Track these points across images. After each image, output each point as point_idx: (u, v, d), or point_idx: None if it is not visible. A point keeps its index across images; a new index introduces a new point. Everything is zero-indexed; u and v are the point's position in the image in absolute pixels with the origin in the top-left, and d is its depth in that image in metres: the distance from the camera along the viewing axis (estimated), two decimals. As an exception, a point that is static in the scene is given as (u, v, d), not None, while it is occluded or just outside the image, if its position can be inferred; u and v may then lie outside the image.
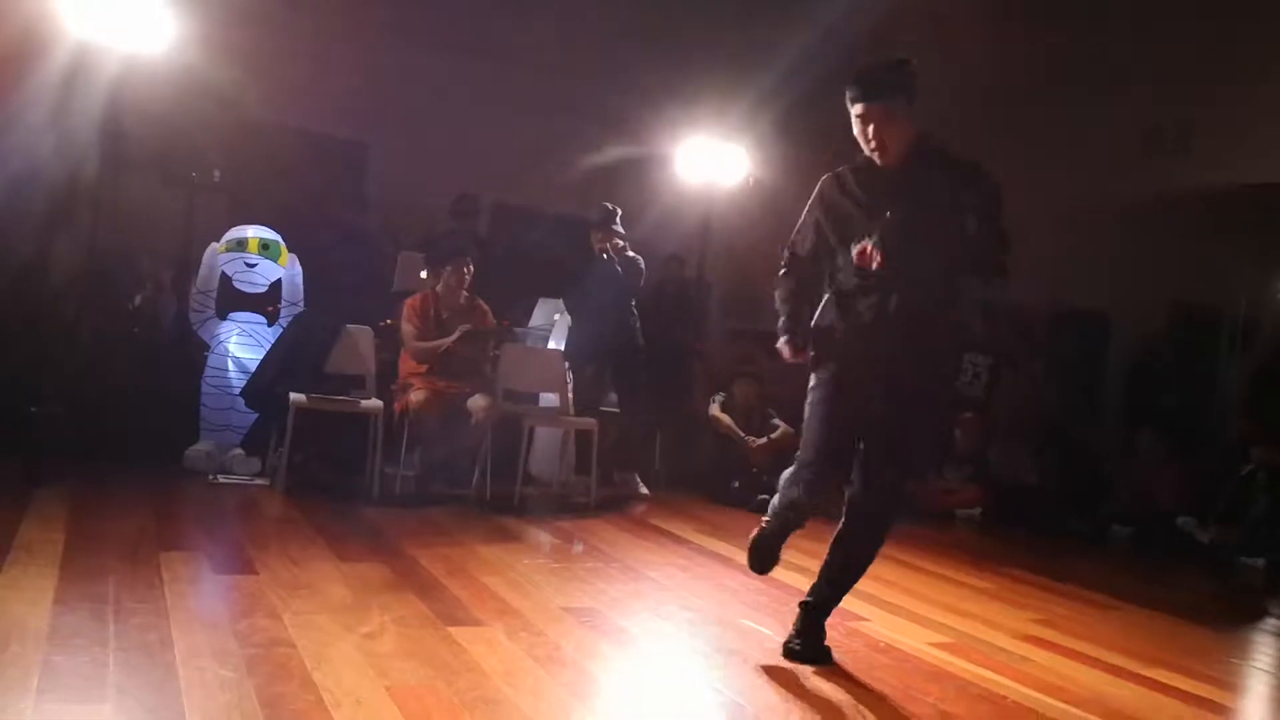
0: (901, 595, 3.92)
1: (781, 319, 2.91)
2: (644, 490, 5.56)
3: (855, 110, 2.70)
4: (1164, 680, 3.10)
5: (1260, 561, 5.69)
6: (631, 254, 5.71)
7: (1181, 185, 7.13)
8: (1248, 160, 6.80)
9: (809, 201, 2.90)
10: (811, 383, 2.82)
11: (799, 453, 2.85)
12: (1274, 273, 8.41)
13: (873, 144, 2.69)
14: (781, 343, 2.88)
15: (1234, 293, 8.27)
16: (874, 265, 2.69)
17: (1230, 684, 3.28)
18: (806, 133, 7.46)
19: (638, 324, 5.76)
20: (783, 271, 2.95)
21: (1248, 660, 3.74)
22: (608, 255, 5.62)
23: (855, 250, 2.73)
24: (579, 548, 4.33)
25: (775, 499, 2.94)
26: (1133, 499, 6.43)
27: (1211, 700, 2.98)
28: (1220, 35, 6.74)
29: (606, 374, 5.77)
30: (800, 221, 2.92)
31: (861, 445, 2.78)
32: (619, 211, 5.67)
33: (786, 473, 2.90)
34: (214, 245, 5.30)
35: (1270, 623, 4.54)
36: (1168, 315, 8.32)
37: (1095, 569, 5.19)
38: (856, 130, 2.73)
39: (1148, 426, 6.77)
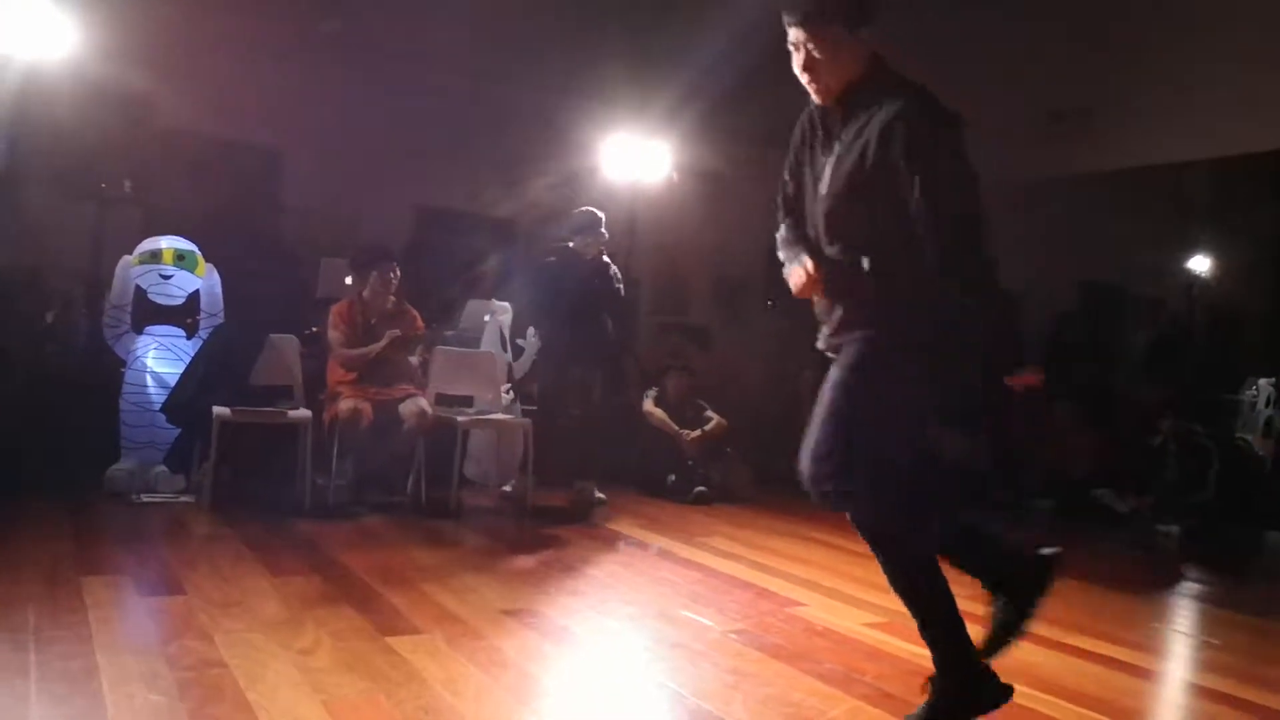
0: (836, 579, 4.00)
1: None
2: (600, 496, 5.52)
3: (789, 35, 2.14)
4: (1087, 647, 3.22)
5: (1175, 529, 5.94)
6: (607, 258, 5.68)
7: (1081, 167, 7.39)
8: (1144, 142, 7.09)
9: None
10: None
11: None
12: (1173, 249, 8.82)
13: (805, 78, 2.15)
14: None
15: (1138, 269, 8.61)
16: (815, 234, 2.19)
17: (1151, 648, 3.42)
18: (730, 128, 7.56)
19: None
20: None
21: (1167, 624, 3.91)
22: (610, 261, 5.59)
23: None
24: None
25: None
26: (1052, 471, 6.63)
27: (1134, 664, 3.10)
28: (1117, 18, 6.97)
29: (595, 377, 5.62)
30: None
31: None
32: (604, 217, 5.64)
33: None
34: (126, 258, 5.13)
35: (1186, 587, 4.74)
36: (1078, 292, 8.63)
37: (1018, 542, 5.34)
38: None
39: (1064, 399, 6.98)
